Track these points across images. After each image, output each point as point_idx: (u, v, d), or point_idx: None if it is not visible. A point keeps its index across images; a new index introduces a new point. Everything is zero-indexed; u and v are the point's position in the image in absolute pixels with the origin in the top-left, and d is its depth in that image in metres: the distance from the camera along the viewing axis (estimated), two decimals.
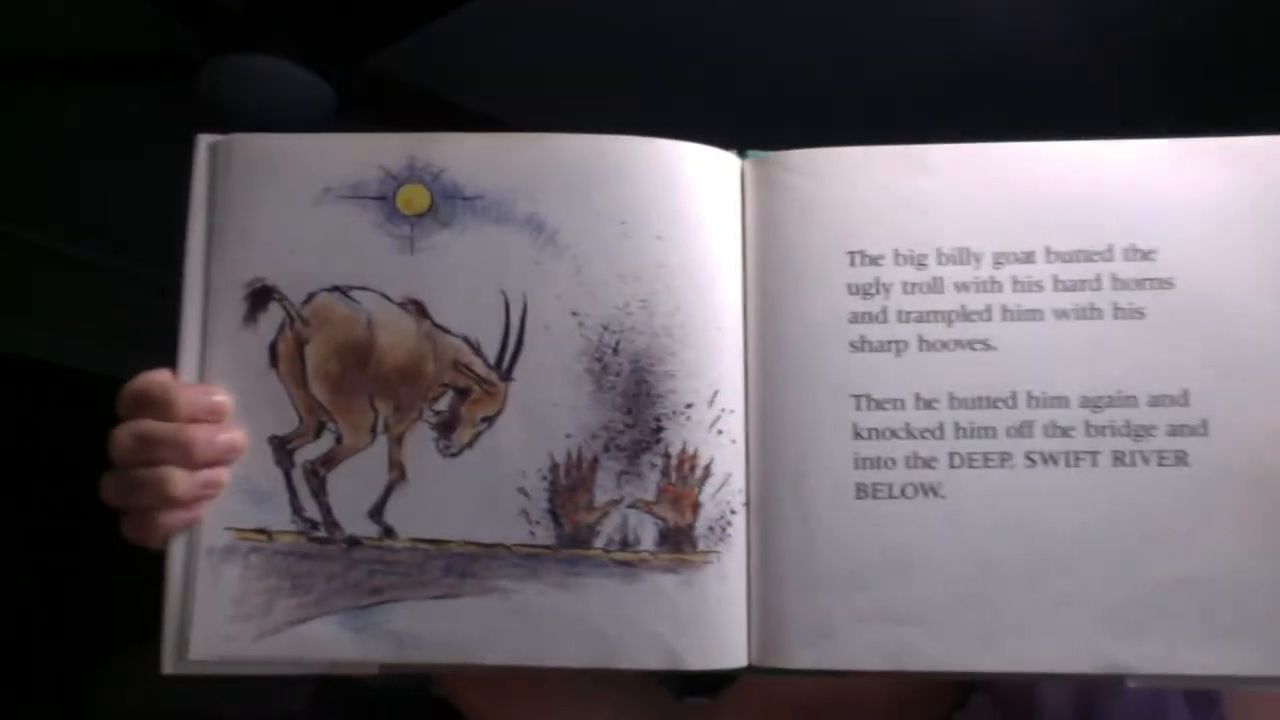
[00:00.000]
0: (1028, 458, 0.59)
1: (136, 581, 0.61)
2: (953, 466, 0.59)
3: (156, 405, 0.59)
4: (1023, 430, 0.59)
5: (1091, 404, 0.59)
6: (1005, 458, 0.59)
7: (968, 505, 0.59)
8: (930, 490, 0.59)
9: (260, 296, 0.61)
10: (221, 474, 0.60)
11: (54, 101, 2.20)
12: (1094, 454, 0.59)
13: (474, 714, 0.70)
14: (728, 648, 0.59)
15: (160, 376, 0.60)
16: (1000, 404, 0.59)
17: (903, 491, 0.59)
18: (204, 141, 0.63)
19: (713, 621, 0.59)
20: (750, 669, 0.60)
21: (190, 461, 0.58)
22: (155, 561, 0.60)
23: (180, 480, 0.58)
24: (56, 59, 1.97)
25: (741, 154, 0.63)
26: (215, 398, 0.60)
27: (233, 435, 0.60)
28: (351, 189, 0.61)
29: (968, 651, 0.58)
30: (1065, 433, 0.59)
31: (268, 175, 0.62)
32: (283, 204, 0.62)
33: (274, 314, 0.61)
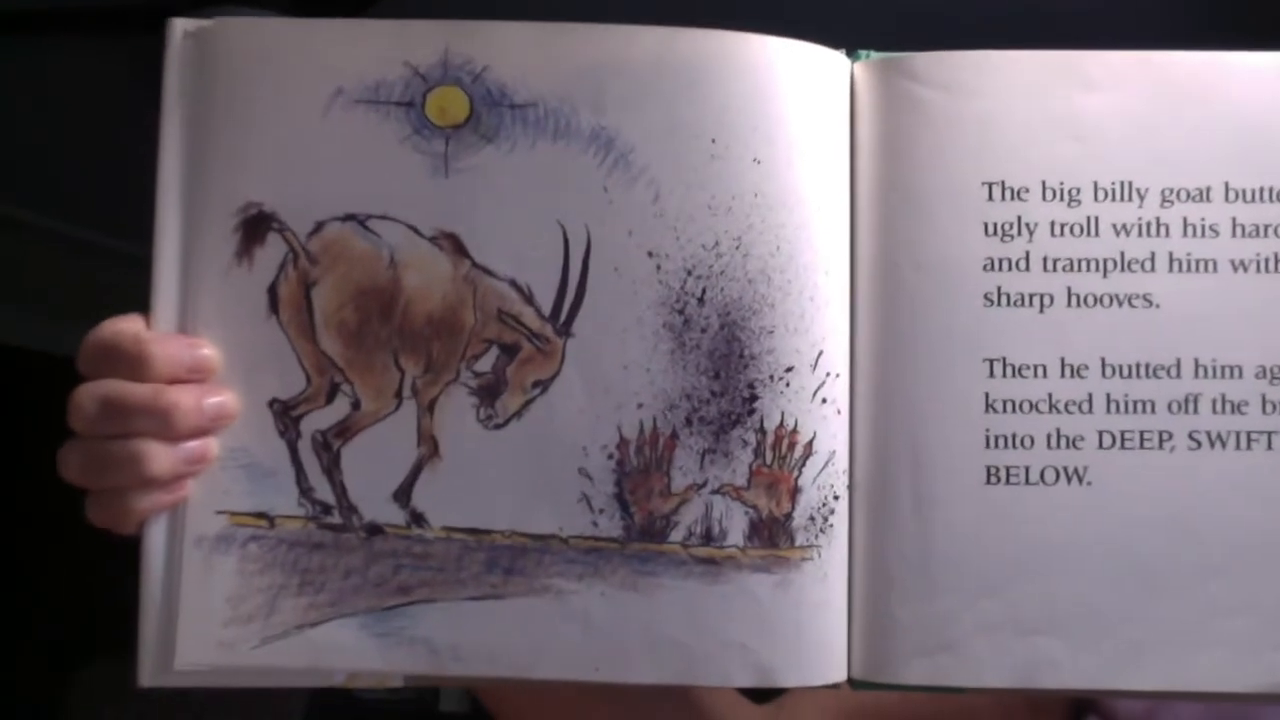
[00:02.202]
0: (1191, 438, 0.50)
1: (117, 580, 0.49)
2: (1102, 447, 0.50)
3: (127, 361, 0.47)
4: (1187, 405, 0.50)
5: (1270, 375, 0.50)
6: (1165, 438, 0.50)
7: (1119, 494, 0.49)
8: (1075, 475, 0.49)
9: (256, 226, 0.49)
10: (210, 446, 0.49)
11: (9, 58, 1.96)
12: (1269, 435, 0.50)
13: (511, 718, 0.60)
14: (827, 660, 0.50)
15: (131, 325, 0.48)
16: (1161, 373, 0.50)
17: (1042, 476, 0.49)
18: (180, 28, 0.50)
19: (811, 630, 0.49)
20: (851, 683, 0.50)
21: (170, 432, 0.47)
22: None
23: (158, 455, 0.47)
24: (9, 10, 1.74)
25: (851, 55, 0.51)
26: (200, 351, 0.49)
27: (222, 398, 0.49)
28: (370, 91, 0.49)
29: (1113, 667, 0.49)
30: (1237, 409, 0.50)
31: (263, 73, 0.49)
32: (283, 110, 0.49)
33: (273, 248, 0.49)
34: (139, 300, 0.50)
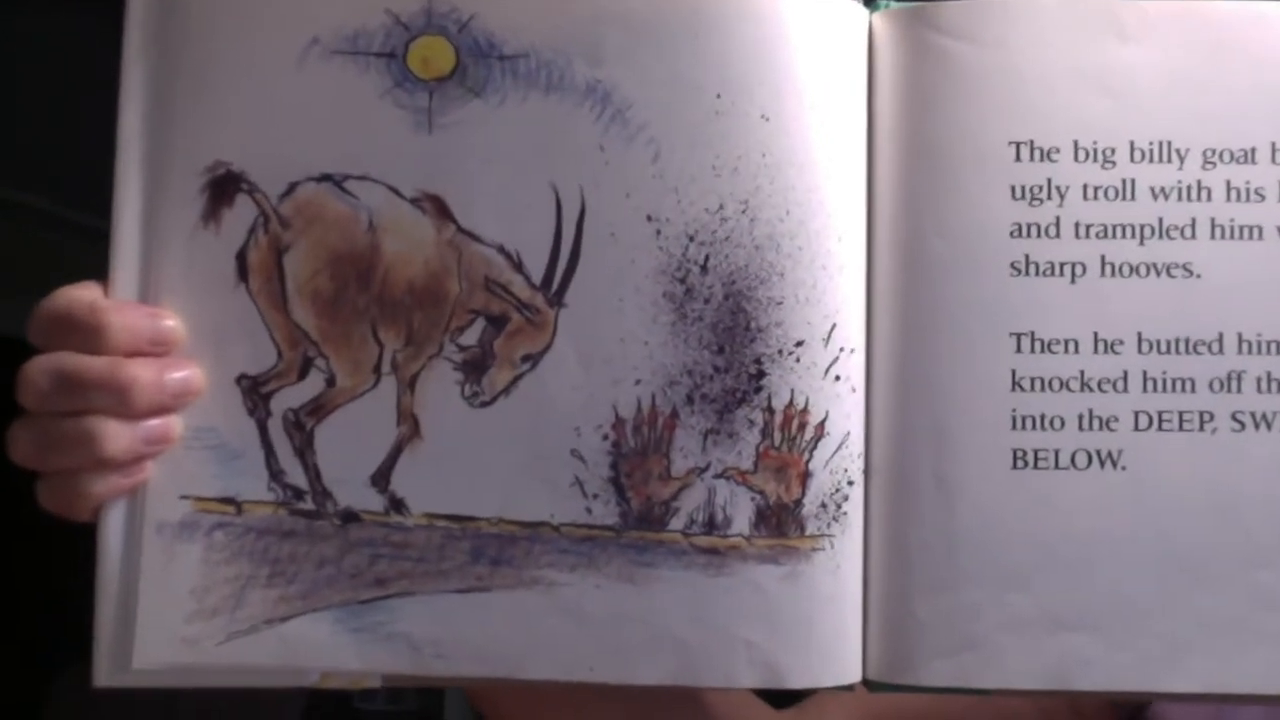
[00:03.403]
0: (1235, 419, 0.46)
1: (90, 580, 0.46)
2: (1138, 429, 0.46)
3: (82, 332, 0.44)
4: (1230, 383, 0.46)
5: None
6: (1206, 418, 0.46)
7: (1156, 479, 0.46)
8: (1108, 459, 0.46)
9: (224, 187, 0.46)
10: (172, 425, 0.45)
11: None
12: None
13: None
14: (840, 659, 0.46)
15: (87, 293, 0.45)
16: (1202, 348, 0.46)
17: (1073, 460, 0.46)
18: None
19: (822, 626, 0.46)
20: (867, 684, 0.47)
21: (128, 409, 0.44)
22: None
23: (115, 434, 0.44)
24: None
25: (869, 3, 0.48)
26: (162, 322, 0.45)
27: (186, 373, 0.45)
28: (348, 41, 0.46)
29: (1152, 666, 0.46)
30: None
31: (233, 20, 0.46)
32: (253, 61, 0.46)
33: (243, 211, 0.46)
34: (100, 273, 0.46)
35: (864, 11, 0.48)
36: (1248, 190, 0.46)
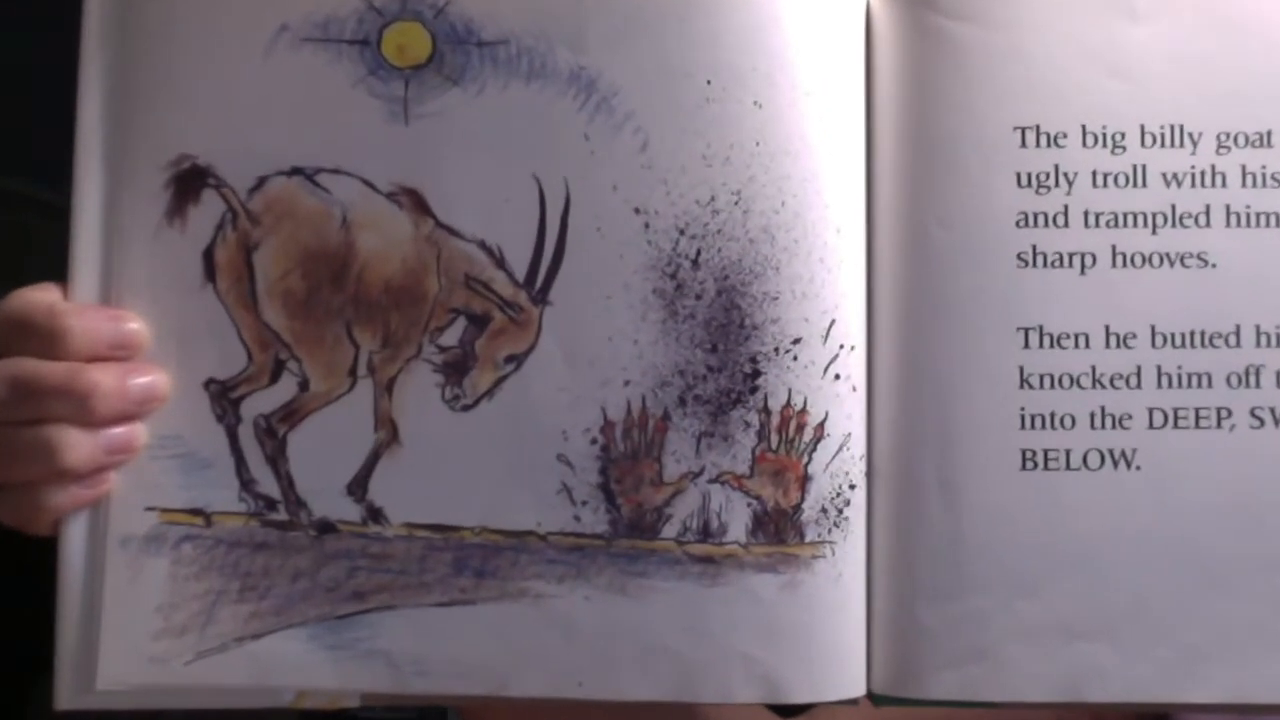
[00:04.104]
0: (1253, 415, 0.45)
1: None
2: (1153, 426, 0.45)
3: (40, 337, 0.42)
4: (1248, 378, 0.45)
5: None
6: (1223, 415, 0.45)
7: (1172, 479, 0.45)
8: (1122, 458, 0.44)
9: (189, 182, 0.44)
10: (136, 433, 0.44)
11: None
12: None
13: None
14: (843, 671, 0.45)
15: (45, 296, 0.44)
16: (1219, 341, 0.45)
17: (1084, 460, 0.45)
18: None
19: (824, 637, 0.44)
20: (871, 698, 0.45)
21: (89, 417, 0.42)
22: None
23: (75, 444, 0.42)
24: None
25: None
26: (125, 325, 0.44)
27: (151, 378, 0.44)
28: (319, 28, 0.44)
29: (1170, 676, 0.45)
30: None
31: (197, 8, 0.44)
32: (219, 50, 0.44)
33: (210, 207, 0.44)
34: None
35: None
36: (1264, 175, 0.45)
